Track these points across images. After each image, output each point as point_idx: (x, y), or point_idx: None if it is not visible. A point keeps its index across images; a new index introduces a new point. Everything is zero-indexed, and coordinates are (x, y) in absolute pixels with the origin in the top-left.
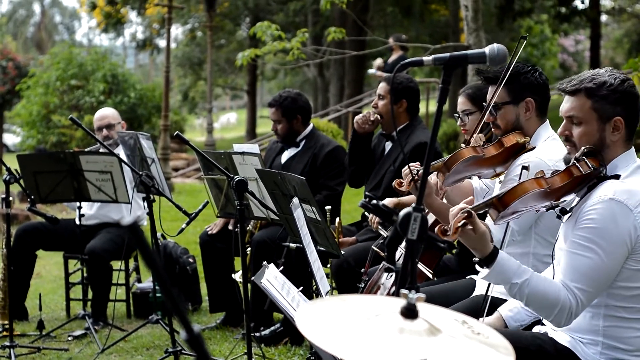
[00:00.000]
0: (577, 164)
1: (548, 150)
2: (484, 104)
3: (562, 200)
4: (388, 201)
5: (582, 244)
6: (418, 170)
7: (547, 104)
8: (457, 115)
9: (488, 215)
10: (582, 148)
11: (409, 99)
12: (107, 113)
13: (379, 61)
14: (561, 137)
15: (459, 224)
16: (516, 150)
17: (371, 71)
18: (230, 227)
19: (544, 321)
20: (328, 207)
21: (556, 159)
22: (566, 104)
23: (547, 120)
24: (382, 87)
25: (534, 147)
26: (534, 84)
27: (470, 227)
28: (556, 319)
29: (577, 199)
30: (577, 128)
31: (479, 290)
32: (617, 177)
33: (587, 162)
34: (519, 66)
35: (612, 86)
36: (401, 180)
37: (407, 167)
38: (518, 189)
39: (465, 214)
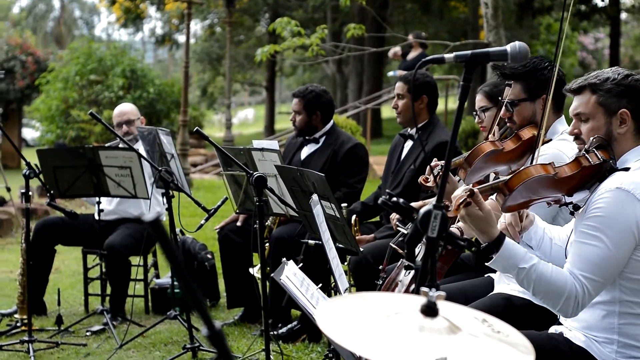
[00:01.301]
0: (586, 155)
1: (565, 144)
2: (500, 99)
3: (574, 196)
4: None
5: (590, 232)
6: (442, 167)
7: (563, 100)
8: (475, 112)
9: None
10: (591, 139)
11: (429, 94)
12: (126, 109)
13: (396, 48)
14: (572, 137)
15: (461, 201)
16: (533, 143)
17: (390, 74)
18: (238, 224)
19: (560, 320)
20: (344, 205)
21: (573, 152)
22: (574, 104)
23: (563, 116)
24: (399, 86)
25: (550, 140)
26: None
27: (475, 206)
28: (563, 307)
29: (590, 195)
30: (585, 124)
31: (498, 288)
32: (626, 169)
33: (597, 153)
34: (536, 62)
35: (616, 80)
36: (426, 176)
37: (433, 162)
38: (523, 172)
39: (468, 192)
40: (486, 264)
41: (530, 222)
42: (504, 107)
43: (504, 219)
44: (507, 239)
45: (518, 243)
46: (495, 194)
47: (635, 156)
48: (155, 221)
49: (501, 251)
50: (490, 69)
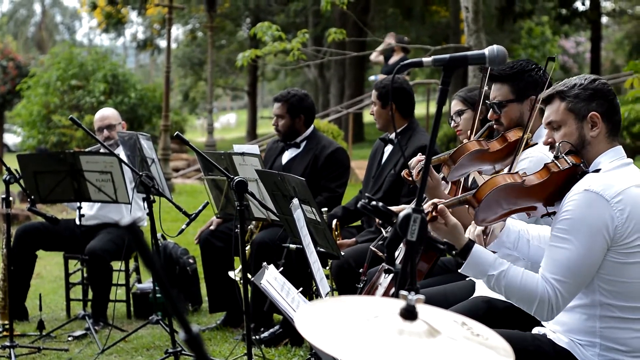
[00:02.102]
0: (555, 162)
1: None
2: (487, 102)
3: (555, 205)
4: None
5: (560, 236)
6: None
7: None
8: (451, 117)
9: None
10: (558, 145)
11: (398, 100)
12: (107, 114)
13: (376, 53)
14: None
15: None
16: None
17: (372, 78)
18: (212, 227)
19: (543, 322)
20: (325, 209)
21: None
22: (545, 113)
23: None
24: (373, 94)
25: (536, 143)
26: (538, 82)
27: (441, 220)
28: (537, 311)
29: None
30: (557, 132)
31: (479, 291)
32: (597, 171)
33: (566, 159)
34: (523, 64)
35: (583, 85)
36: (409, 171)
37: (416, 157)
38: (489, 182)
39: (432, 207)
40: (459, 270)
41: (494, 237)
42: (491, 109)
43: (473, 228)
44: (476, 247)
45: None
46: (468, 207)
47: (609, 158)
48: (131, 225)
49: (468, 259)
50: (479, 71)
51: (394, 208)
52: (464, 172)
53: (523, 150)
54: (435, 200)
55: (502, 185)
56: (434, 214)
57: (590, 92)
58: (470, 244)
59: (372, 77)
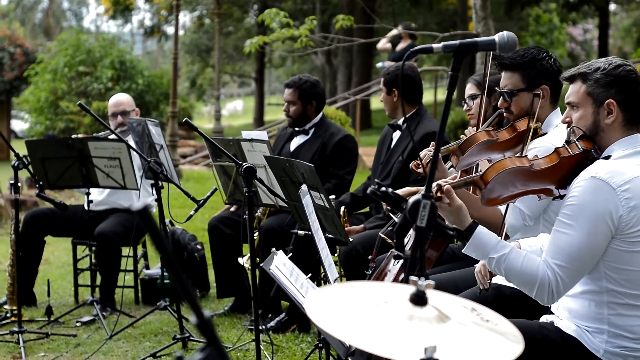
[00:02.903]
0: (566, 146)
1: (559, 136)
2: (497, 89)
3: (568, 188)
4: (401, 191)
5: (564, 221)
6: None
7: (559, 91)
8: (464, 100)
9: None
10: (569, 129)
11: (403, 87)
12: (122, 99)
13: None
14: (565, 125)
15: None
16: (529, 134)
17: (379, 65)
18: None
19: (552, 309)
20: (332, 196)
21: None
22: (568, 92)
23: (558, 108)
24: (381, 80)
25: (546, 133)
26: (549, 71)
27: (446, 200)
28: (538, 295)
29: None
30: (575, 113)
31: None
32: (607, 158)
33: (578, 144)
34: (534, 52)
35: (605, 70)
36: (418, 162)
37: (423, 150)
38: (497, 164)
39: (437, 187)
40: (462, 251)
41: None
42: (501, 97)
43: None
44: (479, 228)
45: (487, 289)
46: (475, 189)
47: (621, 147)
48: (143, 209)
49: (471, 240)
50: (491, 59)
51: (400, 191)
52: (473, 161)
53: (532, 139)
54: (440, 180)
55: (509, 168)
56: (438, 194)
57: (611, 78)
58: (474, 225)
59: (379, 64)
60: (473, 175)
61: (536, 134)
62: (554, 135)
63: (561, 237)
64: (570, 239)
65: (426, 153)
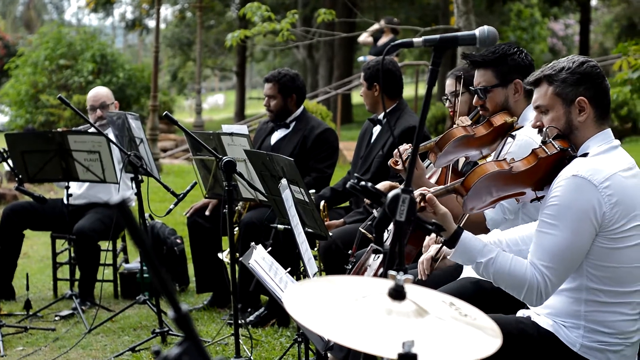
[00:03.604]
0: (543, 147)
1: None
2: (470, 87)
3: (544, 190)
4: (381, 185)
5: (547, 221)
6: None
7: None
8: (446, 97)
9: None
10: (546, 129)
11: (384, 81)
12: (101, 92)
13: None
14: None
15: None
16: (505, 129)
17: (361, 59)
18: (207, 213)
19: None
20: (312, 191)
21: None
22: (534, 97)
23: None
24: (362, 75)
25: (522, 127)
26: (521, 65)
27: (430, 210)
28: (527, 297)
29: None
30: (545, 116)
31: (466, 272)
32: (585, 155)
33: (554, 143)
34: (505, 48)
35: (570, 69)
36: (396, 159)
37: (402, 146)
38: (478, 169)
39: (420, 197)
40: (448, 257)
41: (444, 265)
42: (475, 95)
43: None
44: (465, 234)
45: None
46: (456, 196)
47: (597, 142)
48: (121, 203)
49: (457, 246)
50: (460, 57)
51: (379, 185)
52: (451, 158)
53: (509, 134)
54: (423, 189)
55: (489, 173)
56: (422, 204)
57: (578, 76)
58: (459, 231)
59: (361, 58)
60: (454, 182)
61: (512, 128)
62: (530, 130)
63: (546, 238)
64: (556, 239)
65: (405, 149)
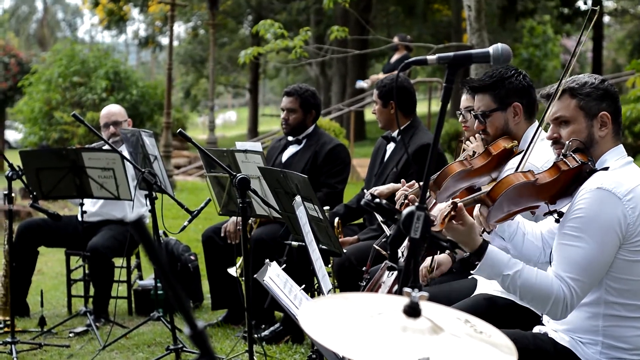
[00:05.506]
0: (564, 159)
1: (538, 152)
2: (470, 112)
3: (557, 203)
4: (384, 187)
5: (573, 234)
6: (406, 197)
7: (533, 106)
8: (460, 112)
9: (479, 217)
10: (568, 142)
11: (398, 99)
12: (114, 110)
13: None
14: (551, 142)
15: (445, 214)
16: (505, 155)
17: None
18: (222, 234)
19: (544, 321)
20: (326, 208)
21: (546, 159)
22: (553, 109)
23: (536, 121)
24: (374, 93)
25: (522, 151)
26: (518, 88)
27: (459, 220)
28: (552, 311)
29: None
30: (565, 128)
31: (480, 289)
32: (606, 169)
33: (575, 157)
34: (502, 72)
35: (594, 84)
36: (402, 201)
37: (398, 194)
38: (504, 181)
39: (451, 206)
40: (472, 272)
41: (440, 272)
42: (476, 120)
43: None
44: (490, 248)
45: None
46: (480, 206)
47: (614, 156)
48: (137, 221)
49: (484, 260)
50: (460, 84)
51: (384, 187)
52: (452, 192)
53: (511, 158)
54: (456, 200)
55: (517, 183)
56: (452, 213)
57: (602, 92)
58: (485, 244)
59: (358, 83)
60: (480, 192)
61: (513, 153)
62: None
63: (572, 250)
64: (583, 251)
65: (402, 194)
